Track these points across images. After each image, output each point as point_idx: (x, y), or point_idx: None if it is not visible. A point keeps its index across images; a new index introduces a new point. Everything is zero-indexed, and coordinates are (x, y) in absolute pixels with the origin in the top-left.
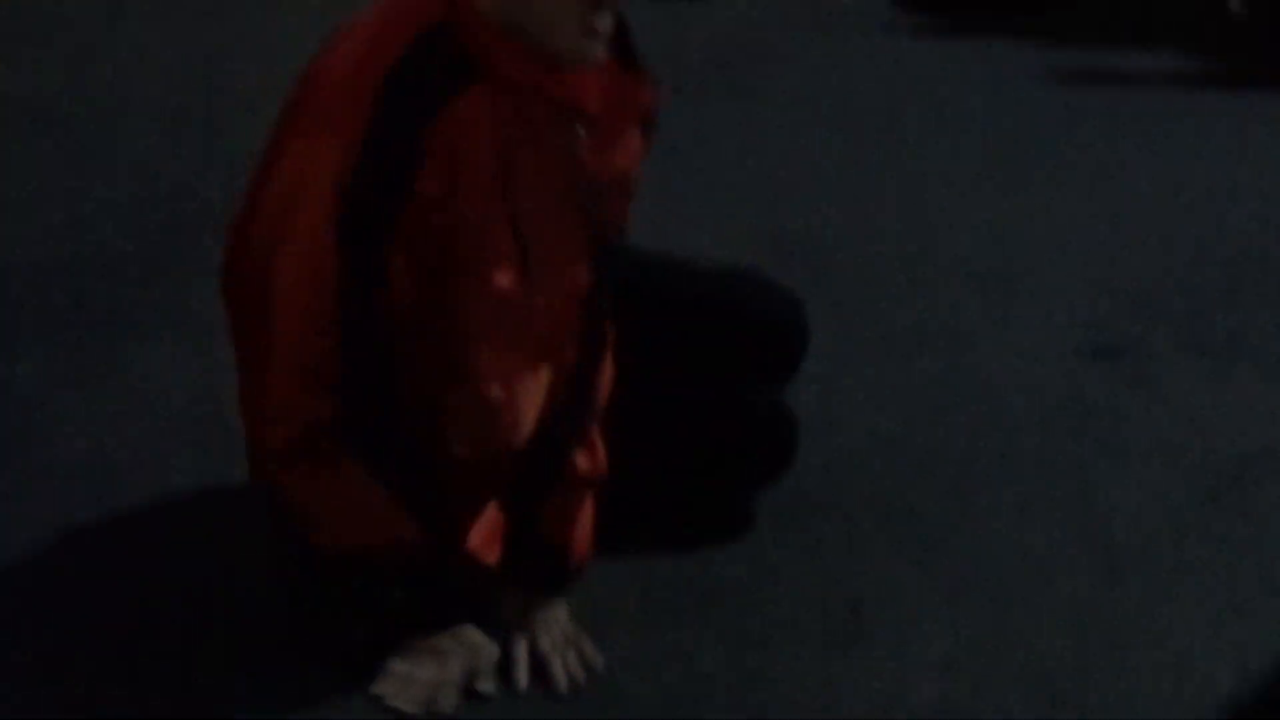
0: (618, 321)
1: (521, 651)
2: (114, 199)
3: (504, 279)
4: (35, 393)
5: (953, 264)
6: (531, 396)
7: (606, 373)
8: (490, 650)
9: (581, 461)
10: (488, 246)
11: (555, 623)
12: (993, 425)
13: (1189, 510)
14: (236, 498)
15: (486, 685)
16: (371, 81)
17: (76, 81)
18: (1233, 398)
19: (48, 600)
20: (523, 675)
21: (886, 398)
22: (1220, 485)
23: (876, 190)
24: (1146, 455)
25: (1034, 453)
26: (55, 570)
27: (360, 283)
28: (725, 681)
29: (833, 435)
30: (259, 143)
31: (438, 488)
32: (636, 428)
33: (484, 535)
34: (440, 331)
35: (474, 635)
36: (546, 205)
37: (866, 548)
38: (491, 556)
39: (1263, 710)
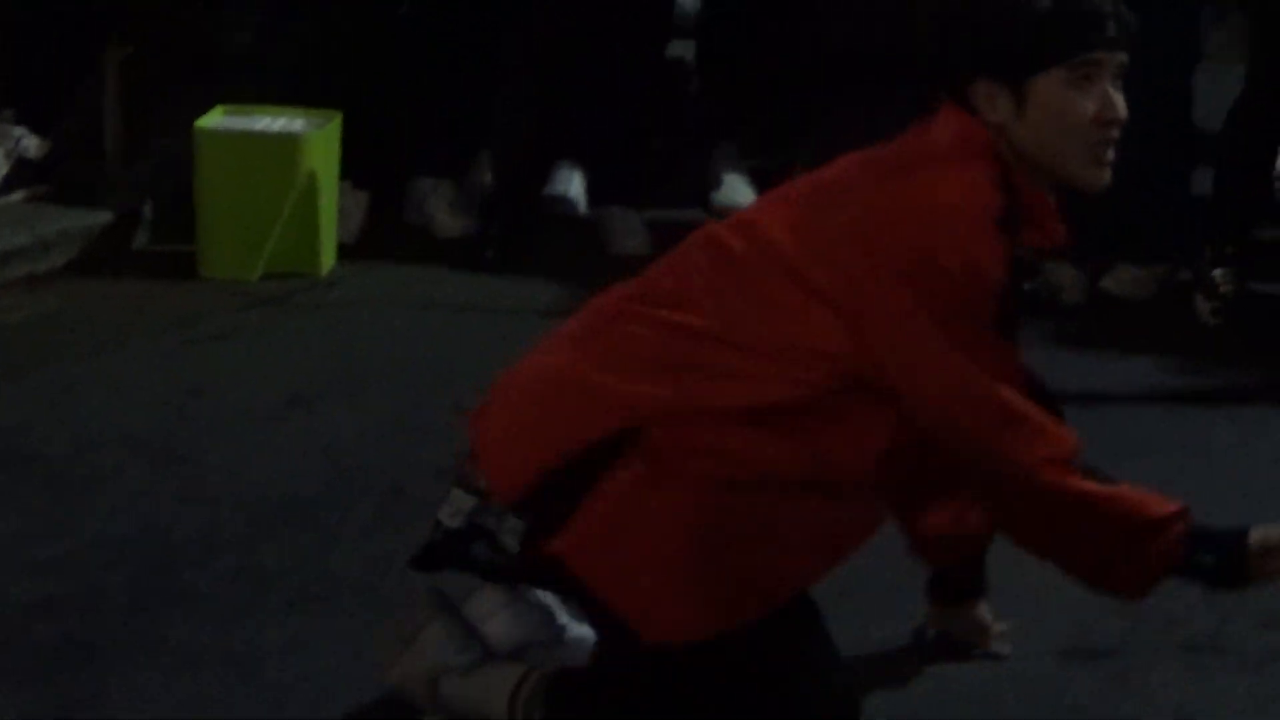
0: None
1: None
2: (97, 534)
3: None
4: None
5: None
6: None
7: None
8: None
9: None
10: None
11: None
12: None
13: None
14: None
15: None
16: (988, 216)
17: (57, 417)
18: (1216, 694)
19: None
20: None
21: (876, 702)
22: None
23: None
24: None
25: None
26: None
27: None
28: None
29: None
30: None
31: None
32: None
33: None
34: None
35: None
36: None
37: None
38: None
39: None
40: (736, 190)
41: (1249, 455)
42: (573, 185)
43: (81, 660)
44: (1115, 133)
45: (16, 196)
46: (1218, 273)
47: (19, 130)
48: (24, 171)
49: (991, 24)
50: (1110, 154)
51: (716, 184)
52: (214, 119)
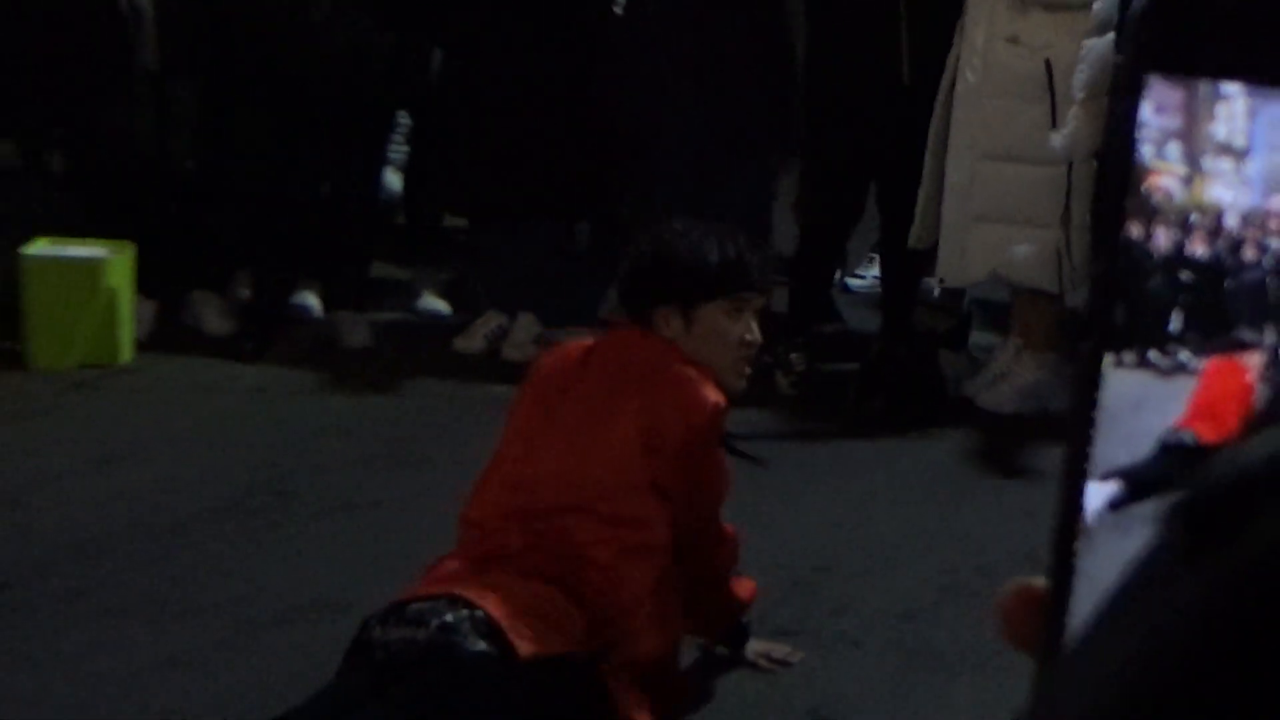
0: None
1: None
2: None
3: None
4: None
5: None
6: None
7: None
8: None
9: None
10: None
11: None
12: None
13: None
14: None
15: None
16: (716, 393)
17: None
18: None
19: None
20: None
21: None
22: None
23: None
24: None
25: None
26: None
27: None
28: None
29: None
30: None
31: None
32: None
33: None
34: None
35: None
36: None
37: None
38: None
39: None
40: (432, 301)
41: (822, 494)
42: (310, 296)
43: None
44: (753, 353)
45: None
46: (793, 356)
47: None
48: None
49: (676, 268)
50: (748, 369)
51: (418, 295)
52: (37, 247)
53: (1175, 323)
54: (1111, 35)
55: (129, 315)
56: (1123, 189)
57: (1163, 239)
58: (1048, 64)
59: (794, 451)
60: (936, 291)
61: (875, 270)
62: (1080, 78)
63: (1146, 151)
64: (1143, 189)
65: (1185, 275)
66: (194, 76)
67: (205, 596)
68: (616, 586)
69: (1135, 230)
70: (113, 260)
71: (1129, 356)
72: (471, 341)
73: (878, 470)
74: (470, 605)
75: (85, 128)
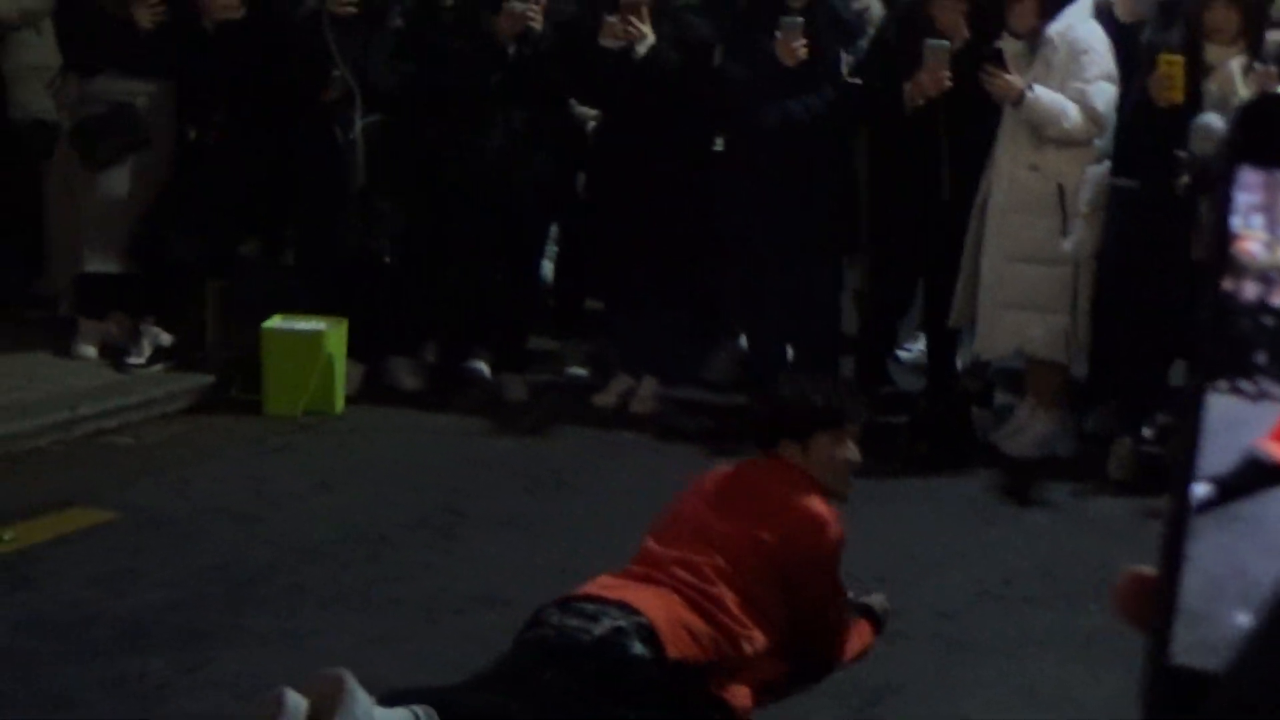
0: None
1: None
2: (203, 564)
3: None
4: None
5: None
6: None
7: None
8: None
9: None
10: None
11: None
12: None
13: None
14: None
15: None
16: (837, 517)
17: (180, 495)
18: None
19: None
20: None
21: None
22: None
23: None
24: None
25: None
26: None
27: None
28: None
29: None
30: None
31: None
32: None
33: None
34: None
35: None
36: None
37: None
38: None
39: None
40: (578, 370)
41: (880, 519)
42: (481, 362)
43: (190, 640)
44: (856, 468)
45: (157, 367)
46: None
47: (157, 329)
48: (161, 353)
49: (792, 411)
50: (853, 480)
51: (565, 361)
52: (273, 322)
53: (1260, 358)
54: (1108, 163)
55: (342, 375)
56: (1222, 251)
57: (1249, 291)
58: (1060, 187)
59: (857, 486)
60: (970, 360)
61: (920, 345)
62: (1084, 196)
63: (1236, 222)
64: (1233, 251)
65: (1268, 320)
66: (393, 192)
67: (400, 591)
68: (739, 630)
69: (1228, 284)
70: (330, 332)
71: (1223, 384)
72: (607, 398)
73: (923, 501)
74: (637, 612)
75: (311, 231)
